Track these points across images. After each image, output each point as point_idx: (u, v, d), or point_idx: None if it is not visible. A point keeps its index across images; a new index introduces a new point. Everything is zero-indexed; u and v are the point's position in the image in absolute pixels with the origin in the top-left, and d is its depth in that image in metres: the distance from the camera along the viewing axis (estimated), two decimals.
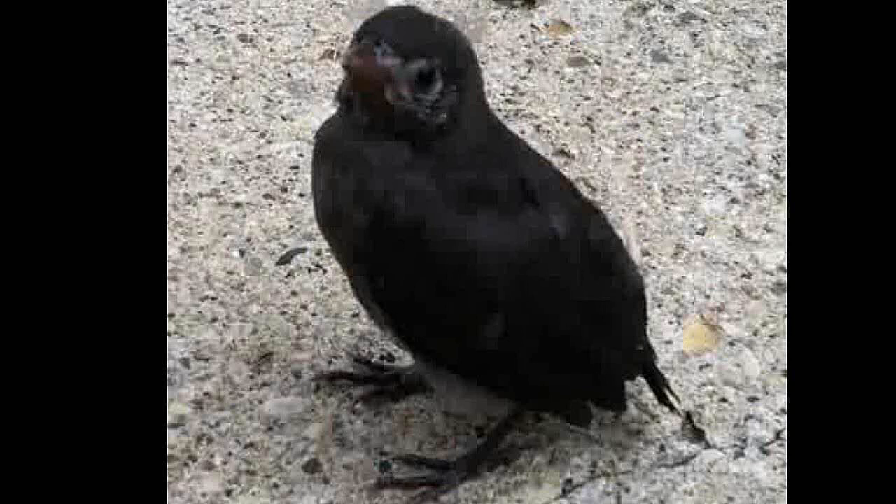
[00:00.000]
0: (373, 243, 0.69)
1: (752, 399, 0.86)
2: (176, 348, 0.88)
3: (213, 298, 0.92)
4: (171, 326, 0.89)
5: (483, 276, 0.69)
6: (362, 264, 0.70)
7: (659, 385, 0.81)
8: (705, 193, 1.03)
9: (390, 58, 0.64)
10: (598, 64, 1.17)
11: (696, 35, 1.21)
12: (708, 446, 0.83)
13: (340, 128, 0.70)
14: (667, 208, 1.01)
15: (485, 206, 0.69)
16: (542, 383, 0.74)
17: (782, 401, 0.86)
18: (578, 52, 1.18)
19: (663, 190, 1.03)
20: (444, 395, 0.80)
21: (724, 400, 0.86)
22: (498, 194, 0.70)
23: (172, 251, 0.95)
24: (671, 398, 0.82)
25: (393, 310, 0.71)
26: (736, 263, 0.97)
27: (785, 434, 0.84)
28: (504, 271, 0.69)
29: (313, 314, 0.91)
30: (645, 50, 1.19)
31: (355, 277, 0.73)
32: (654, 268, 0.96)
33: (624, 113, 1.11)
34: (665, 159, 1.06)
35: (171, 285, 0.92)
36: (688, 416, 0.85)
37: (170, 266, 0.94)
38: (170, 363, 0.86)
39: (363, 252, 0.70)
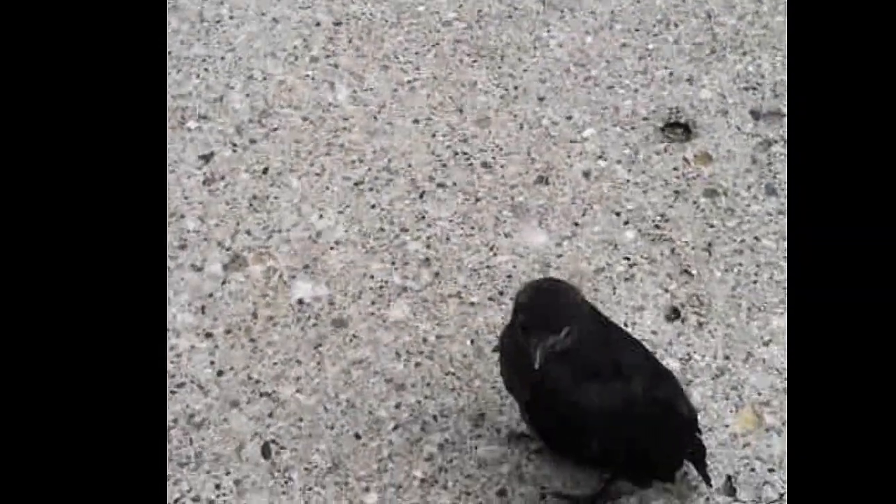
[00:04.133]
0: (532, 402, 1.29)
1: (771, 470, 1.41)
2: (430, 407, 1.51)
3: (453, 374, 1.54)
4: (427, 392, 1.52)
5: (586, 420, 1.28)
6: (525, 408, 1.31)
7: (702, 469, 1.38)
8: (776, 312, 1.55)
9: (552, 338, 1.22)
10: (725, 195, 1.68)
11: None
12: (735, 500, 1.39)
13: (514, 346, 1.28)
14: (747, 323, 1.55)
15: (591, 379, 1.27)
16: (625, 472, 1.33)
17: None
18: (713, 184, 1.69)
19: (748, 308, 1.56)
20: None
21: (752, 470, 1.42)
22: (601, 371, 1.28)
23: (430, 338, 1.57)
24: (707, 478, 1.39)
25: (540, 431, 1.31)
26: (785, 369, 1.50)
27: (786, 498, 1.39)
28: (598, 417, 1.27)
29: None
30: (762, 184, 1.68)
31: (522, 413, 1.33)
32: (729, 370, 1.50)
33: (734, 241, 1.63)
34: (755, 282, 1.58)
35: (427, 363, 1.55)
36: (728, 478, 1.41)
37: (427, 349, 1.56)
38: (426, 418, 1.49)
39: (527, 405, 1.30)
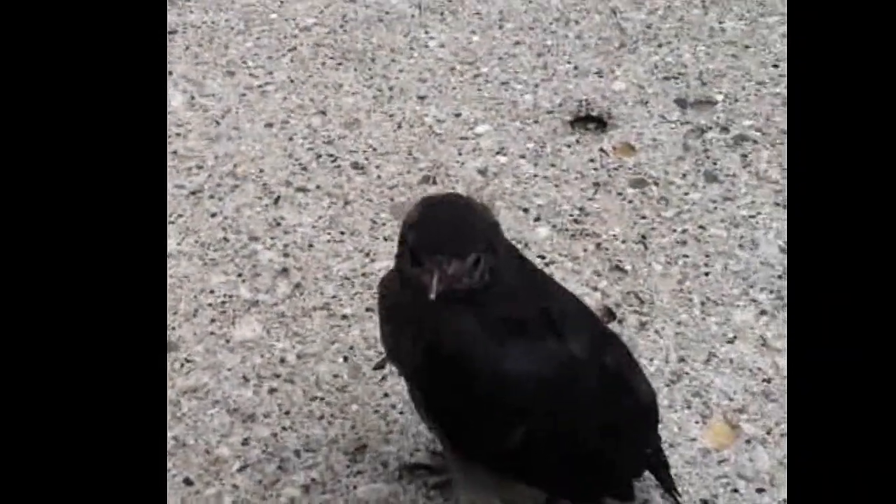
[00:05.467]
0: (426, 370, 0.89)
1: (760, 490, 1.04)
2: (290, 441, 1.10)
3: (321, 399, 1.14)
4: (286, 422, 1.11)
5: (509, 393, 0.88)
6: (418, 384, 0.91)
7: (666, 483, 0.99)
8: (738, 305, 1.20)
9: (454, 265, 0.84)
10: (656, 185, 1.35)
11: (745, 156, 1.38)
12: None
13: (400, 295, 0.90)
14: (703, 319, 1.19)
15: (514, 337, 0.88)
16: (562, 480, 0.93)
17: (784, 492, 1.03)
18: (640, 174, 1.37)
19: (702, 302, 1.21)
20: (474, 488, 1.00)
21: (735, 490, 1.04)
22: (526, 326, 0.89)
23: (290, 357, 1.17)
24: (675, 495, 1.00)
25: (440, 418, 0.91)
26: (759, 369, 1.14)
27: None
28: (527, 390, 0.88)
29: (401, 412, 1.12)
30: (699, 171, 1.36)
31: (413, 392, 0.93)
32: (686, 373, 1.14)
33: (674, 231, 1.29)
34: (706, 274, 1.24)
35: (287, 387, 1.14)
36: (703, 503, 1.03)
37: (287, 371, 1.16)
38: (284, 454, 1.08)
39: (418, 376, 0.90)
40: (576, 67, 1.52)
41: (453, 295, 0.86)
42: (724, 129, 1.42)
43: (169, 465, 1.08)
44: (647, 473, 1.00)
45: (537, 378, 0.89)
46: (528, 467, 0.92)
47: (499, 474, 0.93)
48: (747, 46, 1.54)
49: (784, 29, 1.56)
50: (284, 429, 1.11)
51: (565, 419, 0.90)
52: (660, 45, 1.55)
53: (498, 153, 1.40)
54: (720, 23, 1.58)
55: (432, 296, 0.83)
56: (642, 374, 0.98)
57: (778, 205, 1.32)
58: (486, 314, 0.88)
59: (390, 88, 1.50)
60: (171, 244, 1.29)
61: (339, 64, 1.55)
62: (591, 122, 1.44)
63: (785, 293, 1.21)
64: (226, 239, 1.30)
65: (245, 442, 1.10)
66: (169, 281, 1.25)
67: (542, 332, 0.89)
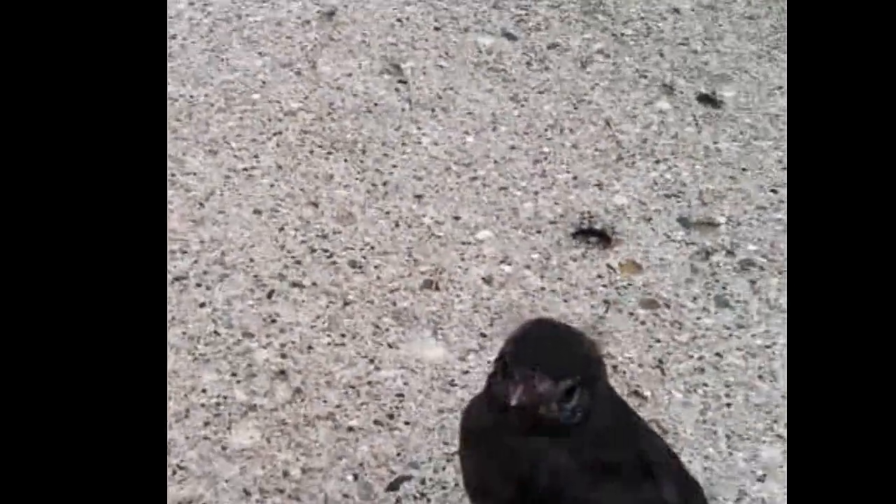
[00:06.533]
0: (518, 498, 0.82)
1: None
2: None
3: None
4: None
5: None
6: None
7: None
8: (764, 441, 1.16)
9: (545, 383, 0.78)
10: (668, 307, 1.30)
11: (754, 282, 1.35)
12: None
13: (486, 418, 0.83)
14: (730, 454, 1.14)
15: (610, 478, 0.82)
16: None
17: None
18: (650, 294, 1.32)
19: (727, 436, 1.16)
20: None
21: None
22: (621, 468, 0.83)
23: (294, 472, 1.08)
24: None
25: None
26: None
27: None
28: None
29: None
30: (709, 295, 1.32)
31: None
32: None
33: (691, 357, 1.24)
34: (728, 405, 1.19)
35: None
36: None
37: (291, 486, 1.06)
38: None
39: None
40: (575, 178, 1.48)
41: (538, 424, 0.80)
42: (730, 253, 1.38)
43: None
44: None
45: None
46: None
47: None
48: (744, 169, 1.51)
49: (778, 154, 1.54)
50: None
51: None
52: (657, 161, 1.52)
53: (502, 262, 1.34)
54: (714, 143, 1.55)
55: (513, 402, 0.77)
56: None
57: None
58: (582, 453, 0.81)
59: (384, 184, 1.43)
60: None
61: (329, 154, 1.47)
62: (593, 235, 1.39)
63: None
64: (217, 333, 1.21)
65: None
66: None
67: (637, 477, 0.83)
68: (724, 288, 1.34)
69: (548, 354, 0.80)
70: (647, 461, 0.84)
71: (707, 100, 1.63)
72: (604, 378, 0.85)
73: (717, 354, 1.25)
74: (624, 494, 0.82)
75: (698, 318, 1.29)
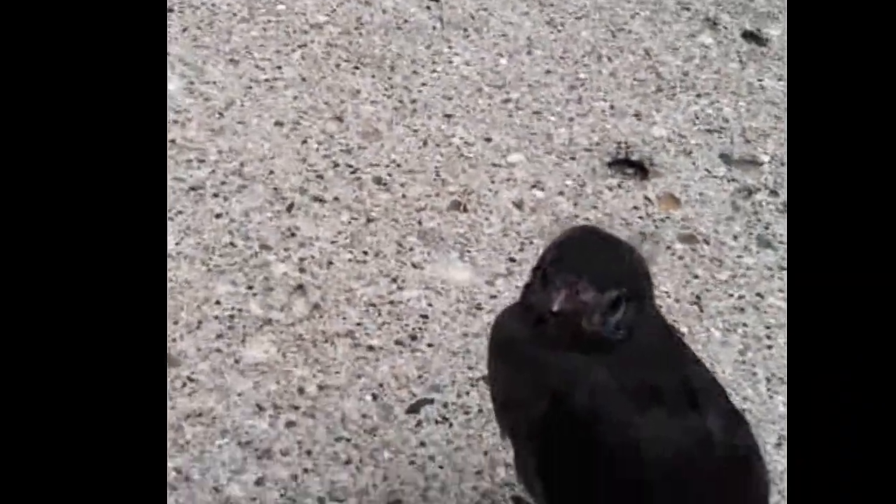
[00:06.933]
0: (548, 425, 0.75)
1: None
2: (312, 486, 0.94)
3: (347, 440, 0.98)
4: (308, 464, 0.95)
5: (642, 464, 0.75)
6: (534, 442, 0.77)
7: None
8: None
9: (590, 292, 0.71)
10: (707, 243, 1.24)
11: None
12: None
13: (521, 331, 0.76)
14: (770, 397, 1.08)
15: (654, 404, 0.76)
16: None
17: None
18: (688, 228, 1.25)
19: (767, 378, 1.10)
20: None
21: None
22: (664, 394, 0.76)
23: (311, 388, 1.02)
24: None
25: (553, 486, 0.77)
26: None
27: None
28: (661, 463, 0.75)
29: (440, 466, 0.97)
30: (751, 234, 1.26)
31: (524, 452, 0.79)
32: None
33: (731, 296, 1.18)
34: (769, 347, 1.13)
35: (308, 422, 0.99)
36: None
37: (307, 403, 1.00)
38: (307, 500, 0.93)
39: (537, 433, 0.76)
40: (612, 106, 1.41)
41: (579, 338, 0.73)
42: (773, 193, 1.32)
43: (170, 501, 0.91)
44: None
45: (672, 451, 0.76)
46: None
47: None
48: None
49: None
50: (306, 471, 0.95)
51: (692, 499, 0.77)
52: (698, 95, 1.44)
53: (533, 186, 1.27)
54: (759, 80, 1.48)
55: (554, 307, 0.70)
56: (764, 461, 0.86)
57: None
58: (623, 373, 0.75)
59: (412, 101, 1.36)
60: (170, 244, 1.13)
61: (356, 68, 1.40)
62: (630, 165, 1.33)
63: None
64: (233, 244, 1.14)
65: (259, 482, 0.94)
66: (167, 285, 1.08)
67: (681, 404, 0.77)
68: (766, 228, 1.27)
69: (594, 262, 0.73)
70: (692, 388, 0.78)
71: (752, 37, 1.55)
72: (651, 296, 0.78)
73: (758, 295, 1.19)
74: (668, 421, 0.76)
75: (739, 257, 1.23)
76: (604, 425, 0.75)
